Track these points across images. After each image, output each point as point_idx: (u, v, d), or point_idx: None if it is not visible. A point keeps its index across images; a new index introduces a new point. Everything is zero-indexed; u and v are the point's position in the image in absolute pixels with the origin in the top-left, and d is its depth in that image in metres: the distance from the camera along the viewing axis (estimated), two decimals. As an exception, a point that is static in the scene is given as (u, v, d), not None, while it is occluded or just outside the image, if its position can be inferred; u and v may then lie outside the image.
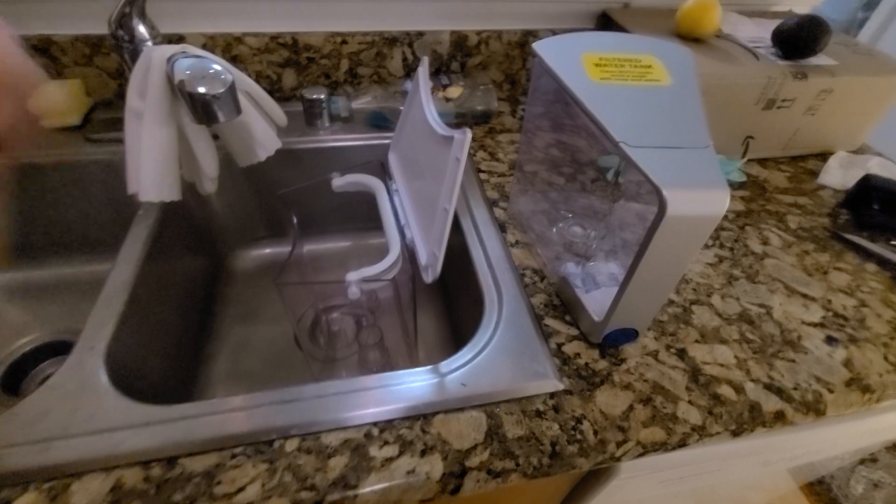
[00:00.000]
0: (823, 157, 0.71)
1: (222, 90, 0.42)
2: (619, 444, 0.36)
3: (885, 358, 0.44)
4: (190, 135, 0.48)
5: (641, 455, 0.37)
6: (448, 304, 0.67)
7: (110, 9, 0.50)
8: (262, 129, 0.51)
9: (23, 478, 0.32)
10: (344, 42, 0.68)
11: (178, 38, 0.64)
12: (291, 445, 0.34)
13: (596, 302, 0.42)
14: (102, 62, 0.63)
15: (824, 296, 0.50)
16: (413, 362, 0.58)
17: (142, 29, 0.53)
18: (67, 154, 0.59)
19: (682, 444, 0.37)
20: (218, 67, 0.43)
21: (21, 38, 0.37)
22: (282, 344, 0.63)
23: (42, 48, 0.60)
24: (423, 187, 0.46)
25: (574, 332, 0.44)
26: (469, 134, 0.36)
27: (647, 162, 0.31)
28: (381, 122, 0.69)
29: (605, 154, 0.59)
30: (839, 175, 0.67)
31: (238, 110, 0.44)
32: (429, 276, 0.42)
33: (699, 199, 0.30)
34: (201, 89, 0.41)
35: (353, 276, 0.43)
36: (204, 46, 0.65)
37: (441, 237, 0.39)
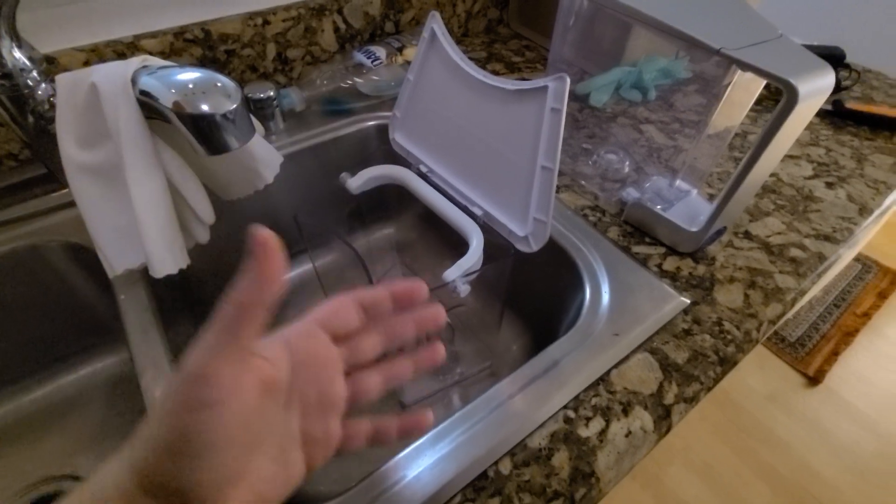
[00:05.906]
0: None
1: (233, 105, 0.32)
2: (757, 328, 0.40)
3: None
4: (175, 176, 0.37)
5: (772, 329, 0.41)
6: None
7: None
8: (259, 142, 0.41)
9: None
10: (266, 23, 0.57)
11: (48, 62, 0.47)
12: (506, 466, 0.31)
13: (682, 214, 0.43)
14: (-56, 119, 0.44)
15: (802, 152, 0.58)
16: (492, 349, 0.55)
17: (19, 55, 0.38)
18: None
19: (792, 307, 0.42)
20: (204, 74, 0.32)
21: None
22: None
23: None
24: (483, 155, 0.42)
25: (661, 249, 0.45)
26: (568, 80, 0.33)
27: (757, 61, 0.32)
28: (335, 106, 0.61)
29: (587, 79, 0.60)
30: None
31: (253, 128, 0.34)
32: (532, 245, 0.39)
33: (817, 81, 0.32)
34: (204, 107, 0.31)
35: (452, 273, 0.38)
36: (86, 64, 0.49)
37: (548, 200, 0.37)
